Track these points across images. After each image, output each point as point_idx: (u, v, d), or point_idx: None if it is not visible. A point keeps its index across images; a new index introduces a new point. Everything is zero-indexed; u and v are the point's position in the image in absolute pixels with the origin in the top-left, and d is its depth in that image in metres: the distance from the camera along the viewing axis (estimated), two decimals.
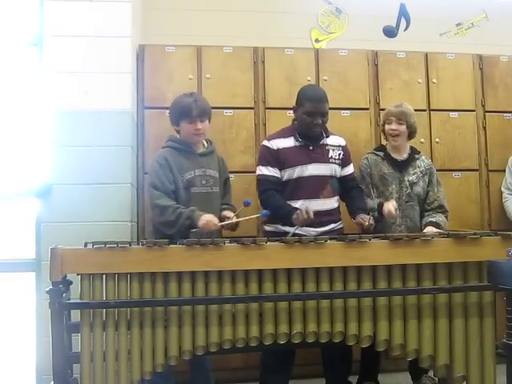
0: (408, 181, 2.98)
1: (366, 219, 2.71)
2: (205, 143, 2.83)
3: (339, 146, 2.91)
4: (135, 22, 3.36)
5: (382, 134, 3.30)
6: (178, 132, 2.79)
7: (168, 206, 2.57)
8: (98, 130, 3.08)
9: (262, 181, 2.81)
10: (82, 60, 3.10)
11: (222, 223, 2.58)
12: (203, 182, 2.72)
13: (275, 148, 2.80)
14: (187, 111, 2.67)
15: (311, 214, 2.58)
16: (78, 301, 2.16)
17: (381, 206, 2.85)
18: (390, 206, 2.80)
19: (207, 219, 2.52)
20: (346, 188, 2.93)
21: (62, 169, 3.04)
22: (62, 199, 3.02)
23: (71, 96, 3.08)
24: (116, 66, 3.12)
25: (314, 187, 2.78)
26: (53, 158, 3.06)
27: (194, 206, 2.61)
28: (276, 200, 2.76)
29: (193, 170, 2.71)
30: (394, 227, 2.93)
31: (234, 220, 2.63)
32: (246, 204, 2.58)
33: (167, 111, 3.25)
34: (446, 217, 2.97)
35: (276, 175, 2.79)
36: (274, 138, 2.85)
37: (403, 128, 2.97)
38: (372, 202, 2.88)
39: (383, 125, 3.04)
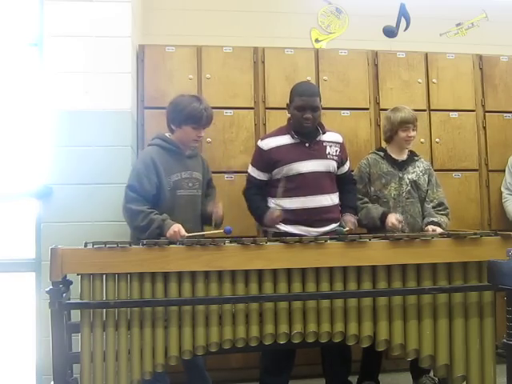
0: (408, 179, 3.00)
1: (349, 223, 2.78)
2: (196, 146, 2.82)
3: (336, 142, 2.90)
4: (135, 22, 3.37)
5: (381, 135, 3.31)
6: (171, 131, 2.74)
7: (140, 211, 2.52)
8: (97, 130, 3.08)
9: (248, 180, 2.91)
10: (81, 60, 3.10)
11: (190, 234, 2.49)
12: (190, 184, 2.70)
13: (266, 148, 2.82)
14: (196, 118, 2.64)
15: (278, 213, 2.70)
16: (78, 301, 2.16)
17: (384, 216, 2.86)
18: (393, 219, 2.82)
19: (175, 230, 2.47)
20: (342, 184, 2.95)
21: (62, 169, 3.04)
22: (62, 199, 3.02)
23: (71, 96, 3.08)
24: (116, 66, 3.12)
25: (313, 184, 2.78)
26: (53, 158, 3.05)
27: (177, 209, 2.61)
28: (255, 200, 2.86)
29: (179, 172, 2.68)
30: None
31: (200, 233, 2.58)
32: (227, 232, 2.51)
33: None
34: (447, 214, 3.00)
35: (259, 178, 2.85)
36: (268, 137, 2.87)
37: (415, 133, 3.04)
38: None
39: (395, 132, 3.00)
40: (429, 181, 3.05)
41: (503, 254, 2.06)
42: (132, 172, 2.66)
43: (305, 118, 2.74)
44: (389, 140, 3.08)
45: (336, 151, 2.88)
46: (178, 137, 2.72)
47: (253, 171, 2.87)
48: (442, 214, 2.98)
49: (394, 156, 3.06)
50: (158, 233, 2.50)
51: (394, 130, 3.01)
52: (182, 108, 2.65)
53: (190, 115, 2.64)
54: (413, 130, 3.00)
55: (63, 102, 3.07)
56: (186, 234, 2.49)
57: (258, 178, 2.85)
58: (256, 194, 2.87)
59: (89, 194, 3.03)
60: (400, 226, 2.83)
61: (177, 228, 2.48)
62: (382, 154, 3.07)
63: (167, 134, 2.75)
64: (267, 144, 2.82)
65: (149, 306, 2.16)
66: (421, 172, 3.04)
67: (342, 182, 2.95)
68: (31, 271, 3.06)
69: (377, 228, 2.87)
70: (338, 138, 2.94)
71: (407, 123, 2.98)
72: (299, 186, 2.78)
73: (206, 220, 2.78)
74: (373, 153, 3.13)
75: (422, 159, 3.13)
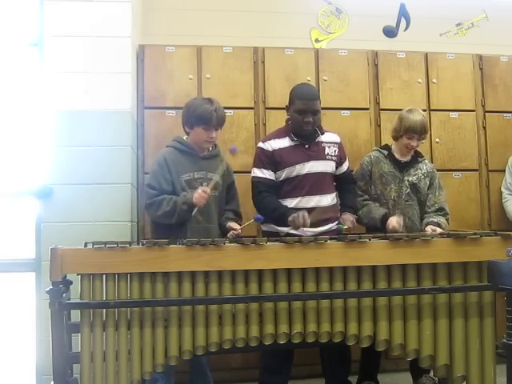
0: (408, 181, 2.98)
1: (348, 221, 2.78)
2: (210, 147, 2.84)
3: (334, 142, 2.91)
4: (135, 22, 3.37)
5: (381, 136, 3.31)
6: (187, 133, 2.80)
7: (163, 199, 2.65)
8: (97, 130, 3.08)
9: (256, 183, 2.82)
10: (81, 60, 3.10)
11: (211, 188, 2.65)
12: (204, 184, 2.72)
13: (270, 149, 2.80)
14: (207, 119, 2.68)
15: (307, 222, 2.61)
16: (78, 301, 2.16)
17: (385, 217, 2.86)
18: (394, 222, 2.81)
19: (199, 192, 2.58)
20: (341, 184, 2.95)
21: (62, 169, 3.04)
22: (62, 199, 3.02)
23: (71, 96, 3.08)
24: (116, 66, 3.12)
25: (312, 184, 2.78)
26: (53, 158, 3.05)
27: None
28: (270, 201, 2.76)
29: (192, 171, 2.73)
30: None
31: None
32: (258, 219, 2.67)
33: (167, 111, 3.24)
34: (447, 219, 2.97)
35: (270, 177, 2.80)
36: (269, 139, 2.85)
37: (420, 143, 3.00)
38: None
39: (401, 135, 2.96)
40: (430, 184, 3.02)
41: (503, 254, 2.07)
42: (150, 173, 2.78)
43: (306, 122, 2.75)
44: (394, 139, 3.07)
45: (334, 151, 2.88)
46: (191, 139, 2.78)
47: (261, 172, 2.80)
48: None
49: (397, 156, 3.04)
50: (185, 209, 2.59)
51: (400, 133, 2.98)
52: (193, 110, 2.71)
53: (200, 116, 2.69)
54: (418, 139, 2.95)
55: (63, 102, 3.07)
56: (209, 190, 2.61)
57: (270, 177, 2.79)
58: (269, 196, 2.77)
59: (89, 194, 3.03)
60: (401, 229, 2.82)
61: (200, 190, 2.58)
62: (385, 152, 3.05)
63: (185, 137, 2.81)
64: (270, 145, 2.81)
65: (149, 306, 2.16)
66: (422, 175, 3.02)
67: (341, 182, 2.95)
68: (31, 271, 3.06)
69: (377, 228, 2.87)
70: (336, 138, 2.94)
71: (413, 132, 2.92)
72: (299, 186, 2.78)
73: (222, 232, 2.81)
74: (376, 150, 3.11)
75: (426, 161, 3.10)
